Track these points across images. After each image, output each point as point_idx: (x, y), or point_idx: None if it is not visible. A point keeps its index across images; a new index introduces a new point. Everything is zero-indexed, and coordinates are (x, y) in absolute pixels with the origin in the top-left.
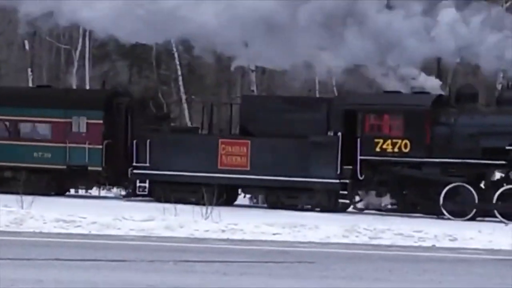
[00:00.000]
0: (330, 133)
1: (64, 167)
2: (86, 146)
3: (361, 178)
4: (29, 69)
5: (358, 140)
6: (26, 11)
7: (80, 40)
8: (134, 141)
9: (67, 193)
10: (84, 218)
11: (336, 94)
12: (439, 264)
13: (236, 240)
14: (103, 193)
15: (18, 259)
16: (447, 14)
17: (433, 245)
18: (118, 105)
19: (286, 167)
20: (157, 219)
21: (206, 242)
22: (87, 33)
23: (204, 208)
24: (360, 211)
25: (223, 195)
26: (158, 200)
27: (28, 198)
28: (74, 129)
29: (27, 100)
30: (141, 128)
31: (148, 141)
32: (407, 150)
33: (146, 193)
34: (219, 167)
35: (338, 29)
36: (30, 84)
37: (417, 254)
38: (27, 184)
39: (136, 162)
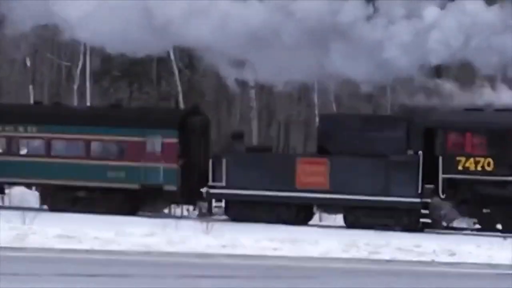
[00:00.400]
0: (410, 152)
1: (138, 186)
2: (161, 165)
3: (442, 197)
4: (31, 86)
5: (440, 158)
6: (15, 17)
7: (81, 57)
8: (210, 160)
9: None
10: (86, 233)
11: (336, 110)
12: (438, 278)
13: (237, 255)
14: None
15: (21, 275)
16: (431, 13)
17: (433, 260)
18: (193, 124)
19: (366, 186)
20: (158, 234)
21: (207, 257)
22: (88, 50)
23: (205, 223)
24: (442, 229)
25: (300, 214)
26: (234, 219)
27: (30, 214)
28: (149, 148)
29: (101, 119)
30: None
31: (224, 160)
32: (490, 169)
33: (222, 212)
34: (297, 186)
35: (328, 45)
36: (32, 101)
37: (416, 268)
38: (100, 204)
39: (212, 182)
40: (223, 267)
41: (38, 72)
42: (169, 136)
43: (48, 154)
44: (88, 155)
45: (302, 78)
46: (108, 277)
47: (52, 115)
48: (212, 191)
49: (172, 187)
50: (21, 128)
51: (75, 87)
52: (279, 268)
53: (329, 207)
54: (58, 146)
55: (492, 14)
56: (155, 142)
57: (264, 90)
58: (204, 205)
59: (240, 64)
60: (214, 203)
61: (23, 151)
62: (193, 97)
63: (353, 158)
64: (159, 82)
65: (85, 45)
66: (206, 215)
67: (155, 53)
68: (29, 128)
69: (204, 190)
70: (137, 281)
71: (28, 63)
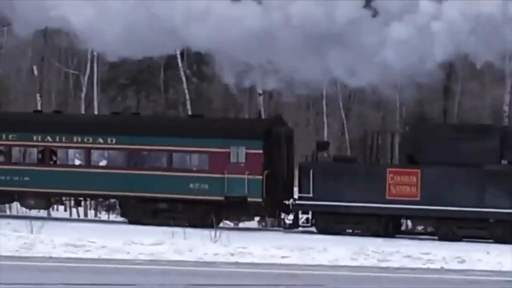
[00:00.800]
0: (504, 162)
1: (222, 198)
2: (246, 176)
3: None
4: (38, 94)
5: None
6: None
7: (88, 65)
8: (297, 171)
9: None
10: (94, 242)
11: (344, 116)
12: (448, 286)
13: (245, 264)
14: (112, 217)
15: (28, 284)
16: (431, 9)
17: (442, 267)
18: (277, 135)
19: (459, 196)
20: (166, 243)
21: (215, 266)
22: (95, 58)
23: (213, 232)
24: None
25: (389, 226)
26: (322, 231)
27: (37, 223)
28: (233, 159)
29: (183, 129)
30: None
31: (311, 171)
32: None
33: (308, 224)
34: (387, 197)
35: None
36: (39, 109)
37: (426, 276)
38: (182, 216)
39: (299, 193)
40: (231, 276)
41: (45, 80)
42: (254, 147)
43: (128, 165)
44: (169, 167)
45: (309, 85)
46: (115, 286)
47: (133, 126)
48: (298, 202)
49: (256, 199)
50: (100, 139)
51: (83, 95)
52: (288, 276)
53: (420, 218)
54: (139, 157)
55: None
56: (239, 153)
57: (272, 97)
58: (289, 216)
59: (247, 70)
60: (300, 215)
61: (103, 163)
62: (201, 105)
63: (445, 168)
64: (167, 89)
65: (92, 53)
66: (291, 227)
67: (156, 55)
68: (109, 139)
69: (290, 201)
70: None
71: (35, 72)
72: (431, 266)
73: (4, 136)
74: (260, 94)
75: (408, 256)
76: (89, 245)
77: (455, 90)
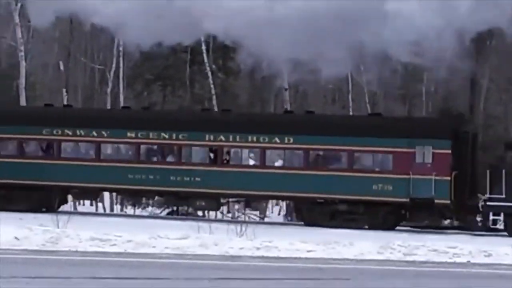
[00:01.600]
0: None
1: (407, 200)
2: (433, 177)
3: None
4: (64, 90)
5: None
6: None
7: (114, 60)
8: (488, 171)
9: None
10: (120, 236)
11: (370, 110)
12: (474, 280)
13: (271, 258)
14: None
15: (54, 278)
16: None
17: (468, 261)
18: (464, 134)
19: None
20: (192, 237)
21: (240, 260)
22: (121, 54)
23: (238, 226)
24: None
25: None
26: None
27: (64, 217)
28: (418, 159)
29: (364, 128)
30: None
31: (503, 171)
32: None
33: (499, 227)
34: None
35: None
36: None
37: (452, 270)
38: (362, 218)
39: (490, 194)
40: (257, 270)
41: (71, 76)
42: (442, 147)
43: (306, 165)
44: (350, 167)
45: (332, 79)
46: (141, 280)
47: (311, 125)
48: (489, 203)
49: (444, 201)
50: (276, 139)
51: (108, 90)
52: (313, 270)
53: None
54: (315, 157)
55: None
56: (425, 153)
57: (298, 92)
58: (477, 219)
59: (269, 64)
60: (491, 217)
61: (279, 163)
62: (226, 100)
63: None
64: (193, 85)
65: (118, 48)
66: (481, 229)
67: (175, 43)
68: (286, 139)
69: (479, 203)
70: (170, 284)
71: (62, 67)
72: (458, 260)
73: (174, 135)
74: (286, 89)
75: (434, 250)
76: (115, 239)
77: (482, 83)
